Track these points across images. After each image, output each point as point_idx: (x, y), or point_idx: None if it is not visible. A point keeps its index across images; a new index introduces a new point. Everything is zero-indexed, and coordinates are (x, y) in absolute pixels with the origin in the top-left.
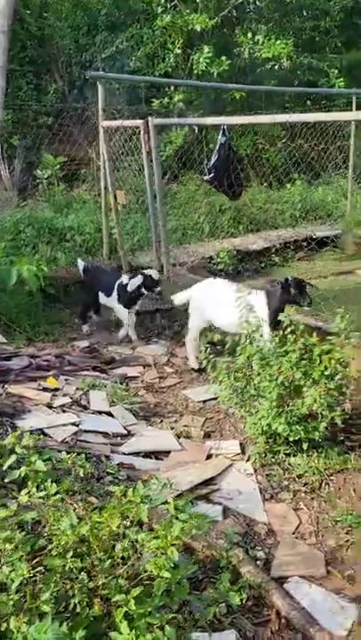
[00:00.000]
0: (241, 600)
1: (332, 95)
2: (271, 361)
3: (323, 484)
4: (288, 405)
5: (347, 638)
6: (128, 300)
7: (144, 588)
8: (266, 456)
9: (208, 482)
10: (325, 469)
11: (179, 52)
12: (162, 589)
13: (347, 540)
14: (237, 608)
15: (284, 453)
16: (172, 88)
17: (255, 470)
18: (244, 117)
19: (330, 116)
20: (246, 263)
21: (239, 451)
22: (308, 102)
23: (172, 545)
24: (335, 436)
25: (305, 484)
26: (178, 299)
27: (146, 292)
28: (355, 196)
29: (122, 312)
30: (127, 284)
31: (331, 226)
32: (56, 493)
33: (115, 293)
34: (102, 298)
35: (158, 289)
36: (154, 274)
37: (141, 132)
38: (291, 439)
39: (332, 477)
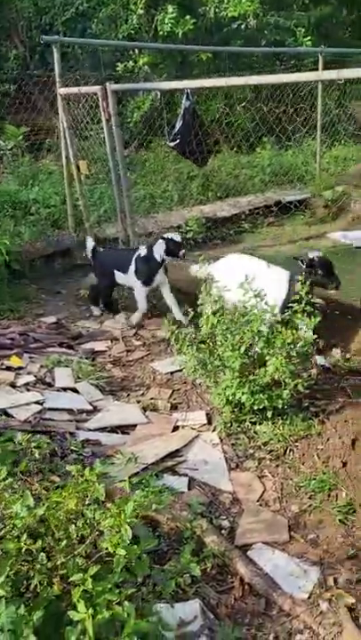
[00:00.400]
0: (204, 570)
1: (301, 54)
2: (234, 331)
3: (287, 451)
4: (252, 375)
5: (308, 601)
6: (147, 273)
7: (103, 566)
8: (232, 425)
9: (174, 454)
10: (290, 436)
11: (142, 12)
12: (121, 566)
13: (310, 505)
14: (202, 577)
15: (250, 422)
16: (137, 51)
17: (221, 440)
18: (201, 81)
19: (291, 77)
20: (215, 231)
21: (205, 421)
22: (278, 62)
23: (127, 523)
24: (300, 403)
25: (270, 452)
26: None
27: (167, 259)
28: (324, 157)
29: (139, 291)
30: (146, 256)
31: (300, 190)
32: (8, 476)
33: (132, 268)
34: (120, 277)
35: (183, 251)
36: (175, 236)
37: (99, 99)
38: (255, 408)
39: (296, 443)
